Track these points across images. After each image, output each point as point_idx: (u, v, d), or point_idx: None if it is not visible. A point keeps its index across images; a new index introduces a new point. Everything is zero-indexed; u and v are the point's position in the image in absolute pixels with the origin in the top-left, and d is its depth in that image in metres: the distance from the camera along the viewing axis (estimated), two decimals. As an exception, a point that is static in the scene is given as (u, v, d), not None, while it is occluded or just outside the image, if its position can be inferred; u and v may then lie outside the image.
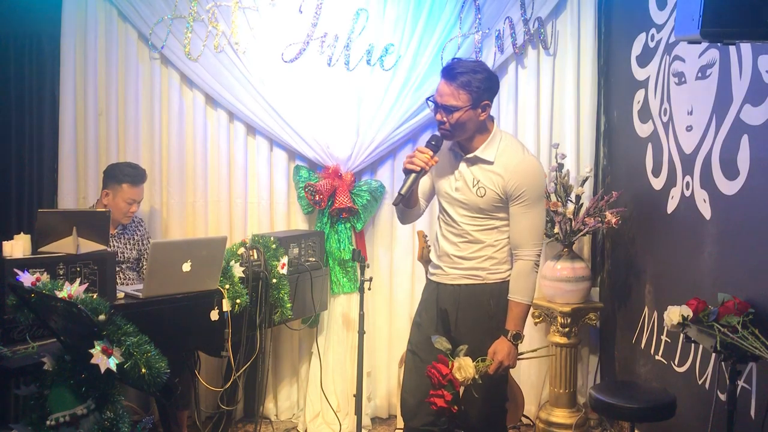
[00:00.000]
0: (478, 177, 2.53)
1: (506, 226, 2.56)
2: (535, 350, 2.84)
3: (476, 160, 2.54)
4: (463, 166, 2.57)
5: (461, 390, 2.44)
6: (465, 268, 2.59)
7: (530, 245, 2.52)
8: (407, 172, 2.48)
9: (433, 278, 2.72)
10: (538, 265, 2.55)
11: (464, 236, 2.57)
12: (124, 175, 3.36)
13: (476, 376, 2.40)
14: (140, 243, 3.49)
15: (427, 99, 2.54)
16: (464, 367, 2.39)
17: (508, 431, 3.53)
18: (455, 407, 2.39)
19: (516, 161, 2.51)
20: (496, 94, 2.57)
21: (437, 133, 2.53)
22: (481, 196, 2.51)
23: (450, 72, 2.46)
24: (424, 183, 2.71)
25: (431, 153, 2.47)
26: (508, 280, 2.58)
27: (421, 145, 2.53)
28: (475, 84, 2.43)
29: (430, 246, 3.24)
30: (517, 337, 2.50)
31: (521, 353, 2.59)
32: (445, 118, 2.46)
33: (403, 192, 2.48)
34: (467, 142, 2.56)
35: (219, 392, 3.18)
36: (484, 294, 2.58)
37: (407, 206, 2.65)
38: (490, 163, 2.51)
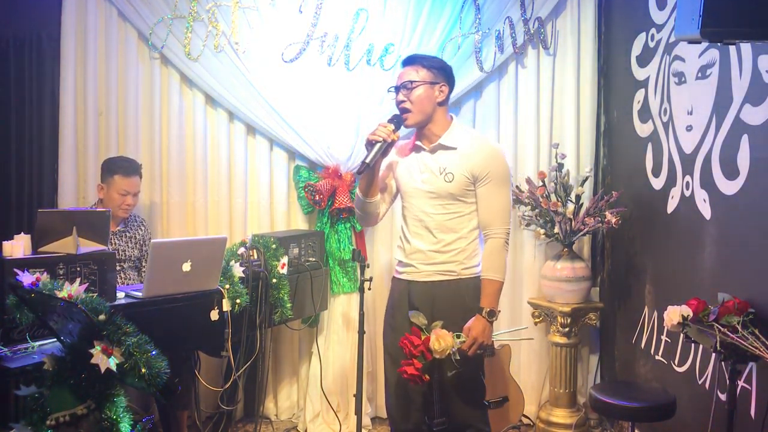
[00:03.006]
0: (444, 164, 2.62)
1: (475, 213, 2.64)
2: (513, 330, 2.88)
3: (440, 148, 2.65)
4: (427, 157, 2.67)
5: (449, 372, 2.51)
6: (439, 263, 2.64)
7: (499, 223, 2.61)
8: (370, 144, 2.58)
9: (402, 277, 2.76)
10: (508, 243, 2.64)
11: (436, 227, 2.64)
12: (116, 167, 3.37)
13: (455, 347, 2.47)
14: (142, 242, 3.49)
15: (389, 89, 2.72)
16: (442, 337, 2.46)
17: (510, 431, 3.54)
18: (426, 376, 2.46)
19: (478, 144, 2.65)
20: (453, 84, 2.73)
21: (397, 114, 2.66)
22: (450, 182, 2.60)
23: (408, 59, 2.71)
24: (388, 183, 2.77)
25: (393, 127, 2.59)
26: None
27: (382, 121, 2.64)
28: (429, 63, 2.66)
29: None
30: (492, 314, 2.57)
31: (497, 332, 2.64)
32: (405, 97, 2.62)
33: (367, 161, 2.56)
34: (429, 132, 2.67)
35: (219, 392, 3.18)
36: (459, 290, 2.64)
37: (367, 194, 2.70)
38: (454, 149, 2.63)
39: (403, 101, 2.63)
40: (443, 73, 2.67)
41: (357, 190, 2.74)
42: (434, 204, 2.64)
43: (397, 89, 2.66)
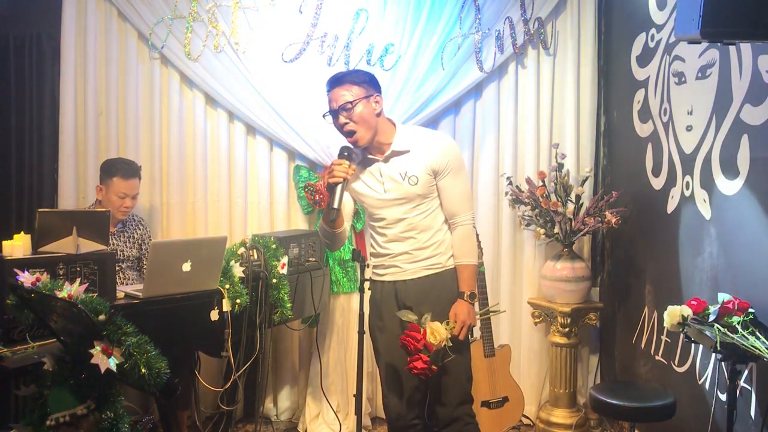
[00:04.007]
0: (405, 169, 2.64)
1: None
2: (489, 308, 3.28)
3: (394, 155, 2.66)
4: (383, 167, 2.67)
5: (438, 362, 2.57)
6: (424, 258, 2.69)
7: (465, 210, 2.70)
8: (331, 187, 2.57)
9: (385, 278, 2.78)
10: (475, 227, 2.74)
11: (415, 228, 2.67)
12: (115, 168, 3.37)
13: (449, 336, 2.55)
14: (140, 241, 3.49)
15: (324, 114, 2.68)
16: (437, 330, 2.52)
17: (510, 431, 3.55)
18: (434, 367, 2.52)
19: (430, 140, 2.68)
20: (381, 92, 2.70)
21: (345, 145, 2.65)
22: (415, 184, 2.63)
23: (334, 79, 2.66)
24: (347, 206, 2.77)
25: (348, 162, 2.58)
26: None
27: (334, 159, 2.63)
28: (358, 78, 2.63)
29: None
30: (473, 297, 2.68)
31: (477, 312, 2.79)
32: (347, 118, 2.60)
33: (335, 205, 2.56)
34: (377, 143, 2.66)
35: (219, 392, 3.17)
36: (447, 280, 2.70)
37: (335, 226, 2.70)
38: (407, 151, 2.64)
39: (346, 123, 2.60)
40: (372, 84, 2.65)
41: (322, 224, 2.72)
42: (405, 209, 2.66)
43: (335, 113, 2.63)
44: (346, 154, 2.62)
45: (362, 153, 2.71)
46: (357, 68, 2.94)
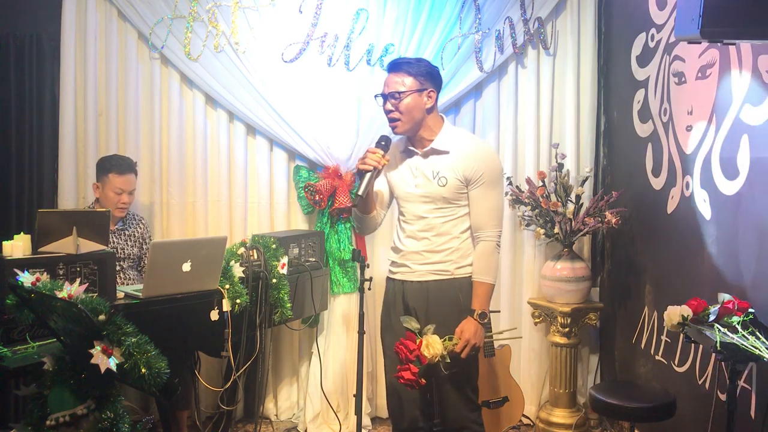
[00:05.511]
0: (437, 168, 2.62)
1: (468, 215, 2.65)
2: (502, 332, 3.07)
3: (432, 152, 2.64)
4: (419, 161, 2.66)
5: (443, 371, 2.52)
6: (433, 263, 2.65)
7: (492, 226, 2.62)
8: (361, 173, 2.56)
9: (396, 276, 2.77)
10: (499, 246, 2.66)
11: (432, 230, 2.65)
12: (110, 165, 3.38)
13: (444, 353, 2.49)
14: (141, 240, 3.49)
15: (375, 96, 2.68)
16: (432, 344, 2.47)
17: (510, 431, 3.55)
18: (423, 380, 2.48)
19: (471, 146, 2.64)
20: (440, 86, 2.69)
21: (385, 134, 2.65)
22: (443, 186, 2.60)
23: (394, 64, 2.65)
24: (381, 192, 2.77)
25: (382, 152, 2.57)
26: None
27: (371, 147, 2.62)
28: (416, 69, 2.60)
29: None
30: (483, 316, 2.60)
31: (488, 334, 2.65)
32: (393, 107, 2.59)
33: (360, 192, 2.55)
34: (420, 137, 2.66)
35: (219, 392, 3.18)
36: (452, 289, 2.64)
37: (364, 211, 2.71)
38: (446, 152, 2.62)
39: (391, 111, 2.61)
40: (430, 78, 2.63)
41: (354, 209, 2.73)
42: (428, 208, 2.65)
43: (385, 97, 2.63)
44: (383, 143, 2.60)
45: (406, 143, 2.71)
46: (422, 57, 2.91)
